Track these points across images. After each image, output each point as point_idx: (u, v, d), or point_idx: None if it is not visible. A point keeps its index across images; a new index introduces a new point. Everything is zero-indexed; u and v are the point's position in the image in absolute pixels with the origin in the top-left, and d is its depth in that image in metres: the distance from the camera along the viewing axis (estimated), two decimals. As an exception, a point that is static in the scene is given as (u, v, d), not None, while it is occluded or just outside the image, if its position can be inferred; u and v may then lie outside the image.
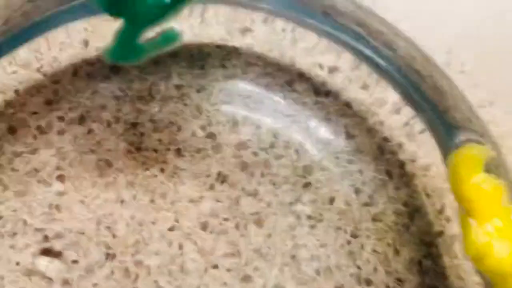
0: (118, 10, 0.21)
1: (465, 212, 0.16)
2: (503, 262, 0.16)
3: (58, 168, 0.23)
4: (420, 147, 0.23)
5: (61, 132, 0.23)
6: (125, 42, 0.21)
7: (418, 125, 0.23)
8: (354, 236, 0.23)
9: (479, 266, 0.16)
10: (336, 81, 0.24)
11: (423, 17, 0.25)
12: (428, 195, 0.22)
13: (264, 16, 0.24)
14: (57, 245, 0.22)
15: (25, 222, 0.22)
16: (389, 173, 0.23)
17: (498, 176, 0.16)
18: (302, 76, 0.24)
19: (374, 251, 0.22)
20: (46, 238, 0.22)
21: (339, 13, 0.24)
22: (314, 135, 0.23)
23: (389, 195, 0.23)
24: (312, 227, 0.23)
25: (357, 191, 0.23)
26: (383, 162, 0.23)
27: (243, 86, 0.24)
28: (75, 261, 0.22)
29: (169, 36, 0.22)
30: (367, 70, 0.24)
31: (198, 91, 0.23)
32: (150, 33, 0.21)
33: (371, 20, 0.23)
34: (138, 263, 0.22)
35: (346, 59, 0.24)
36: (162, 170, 0.23)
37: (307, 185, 0.23)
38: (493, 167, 0.16)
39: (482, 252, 0.16)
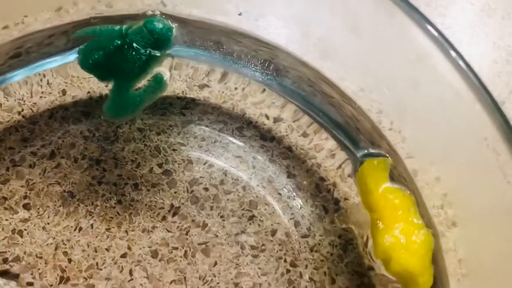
0: (108, 75, 0.25)
1: (374, 219, 0.19)
2: (406, 263, 0.18)
3: (25, 197, 0.25)
4: (351, 187, 0.26)
5: (32, 166, 0.26)
6: (120, 97, 0.25)
7: (349, 168, 0.26)
8: (294, 265, 0.24)
9: (387, 269, 0.18)
10: (280, 129, 0.27)
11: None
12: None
13: (219, 76, 0.28)
14: (15, 268, 0.24)
15: (-13, 245, 0.24)
16: (325, 209, 0.26)
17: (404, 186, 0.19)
18: (250, 124, 0.27)
19: (312, 279, 0.24)
20: (5, 261, 0.24)
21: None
22: (260, 174, 0.26)
23: (325, 228, 0.25)
24: (255, 256, 0.25)
25: (297, 224, 0.25)
26: (320, 199, 0.26)
27: (199, 130, 0.27)
28: (30, 283, 0.24)
29: (157, 81, 0.25)
30: (306, 121, 0.27)
31: (158, 134, 0.27)
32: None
33: (320, 83, 0.28)
34: (90, 287, 0.24)
35: (288, 112, 0.27)
36: (119, 202, 0.25)
37: (251, 218, 0.25)
38: (402, 179, 0.19)
39: (388, 254, 0.18)
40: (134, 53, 0.24)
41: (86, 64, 0.25)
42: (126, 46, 0.24)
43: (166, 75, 0.25)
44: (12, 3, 0.27)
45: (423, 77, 0.23)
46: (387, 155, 0.20)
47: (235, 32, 0.28)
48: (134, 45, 0.24)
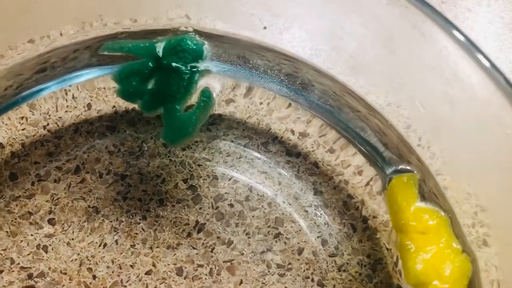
0: (154, 104, 0.24)
1: (404, 240, 0.18)
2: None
3: (50, 212, 0.25)
4: (380, 205, 0.25)
5: (57, 181, 0.26)
6: (174, 121, 0.24)
7: (377, 185, 0.25)
8: (321, 285, 0.24)
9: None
10: (306, 145, 0.27)
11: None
12: (388, 249, 0.24)
13: (245, 90, 0.28)
14: (40, 284, 0.24)
15: (12, 261, 0.24)
16: (353, 227, 0.25)
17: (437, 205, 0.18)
18: (275, 139, 0.27)
19: (339, 300, 0.24)
20: (30, 276, 0.24)
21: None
22: (286, 190, 0.26)
23: (353, 247, 0.25)
24: (282, 275, 0.24)
25: (324, 243, 0.25)
26: (348, 216, 0.25)
27: (224, 145, 0.27)
28: (54, 300, 0.23)
29: (207, 96, 0.25)
30: (333, 136, 0.27)
31: (183, 149, 0.26)
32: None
33: (346, 97, 0.27)
34: (114, 304, 0.23)
35: (314, 127, 0.27)
36: (144, 218, 0.25)
37: (277, 235, 0.25)
38: (433, 196, 0.18)
39: (421, 280, 0.18)
40: (174, 75, 0.24)
41: (126, 93, 0.24)
42: (164, 70, 0.24)
43: (216, 89, 0.25)
44: (38, 17, 0.27)
45: (455, 92, 0.23)
46: (415, 172, 0.20)
47: (259, 46, 0.28)
48: (174, 64, 0.24)
